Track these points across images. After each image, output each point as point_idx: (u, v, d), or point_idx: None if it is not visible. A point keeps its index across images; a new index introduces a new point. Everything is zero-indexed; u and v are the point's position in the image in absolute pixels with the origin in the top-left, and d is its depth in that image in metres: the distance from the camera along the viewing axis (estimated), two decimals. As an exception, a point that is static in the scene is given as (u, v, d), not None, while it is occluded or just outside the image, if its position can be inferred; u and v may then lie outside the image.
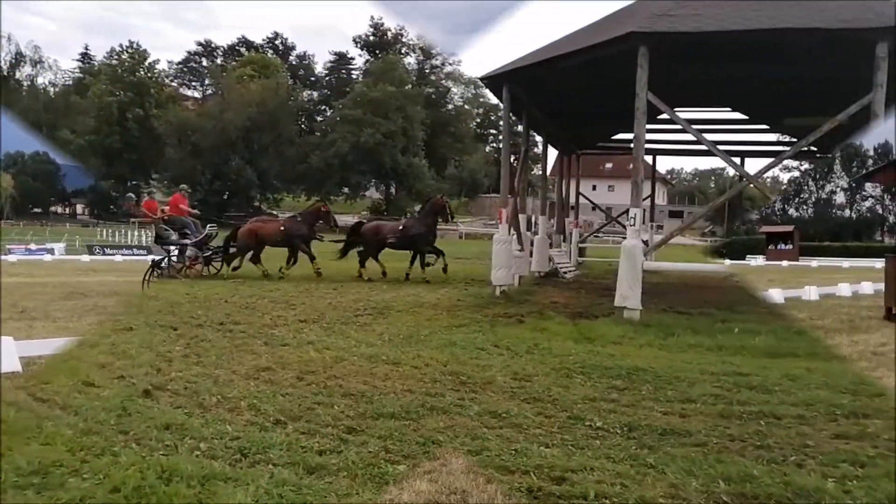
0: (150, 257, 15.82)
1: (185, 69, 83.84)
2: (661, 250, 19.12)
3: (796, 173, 70.72)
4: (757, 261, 26.87)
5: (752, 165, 20.94)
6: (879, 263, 9.48)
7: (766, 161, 19.25)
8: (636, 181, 10.18)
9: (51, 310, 9.76)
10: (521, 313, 10.20)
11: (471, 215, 66.28)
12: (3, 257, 23.43)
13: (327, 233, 16.93)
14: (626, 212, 10.55)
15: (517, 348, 7.62)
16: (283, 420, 4.85)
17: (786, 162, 49.91)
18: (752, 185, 12.11)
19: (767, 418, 5.16)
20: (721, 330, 8.73)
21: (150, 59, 57.60)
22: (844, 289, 13.40)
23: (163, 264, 14.55)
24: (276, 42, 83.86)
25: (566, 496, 3.69)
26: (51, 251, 28.01)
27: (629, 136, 12.81)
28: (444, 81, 76.57)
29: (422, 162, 58.14)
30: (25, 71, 61.10)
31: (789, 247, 30.48)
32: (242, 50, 78.59)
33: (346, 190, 59.52)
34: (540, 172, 21.38)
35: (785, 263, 24.94)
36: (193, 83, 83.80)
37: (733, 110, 18.17)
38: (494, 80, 12.50)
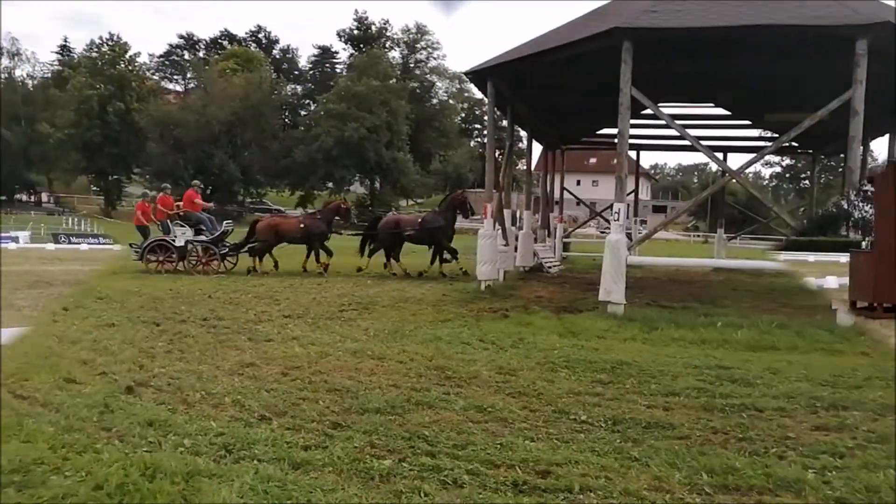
0: (152, 238, 15.64)
1: (166, 62, 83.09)
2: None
3: (778, 168, 71.78)
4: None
5: (735, 160, 21.10)
6: (844, 258, 9.63)
7: (749, 156, 19.52)
8: (620, 176, 10.23)
9: (15, 298, 9.67)
10: (506, 308, 10.23)
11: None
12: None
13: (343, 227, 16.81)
14: (611, 206, 10.60)
15: (502, 343, 7.64)
16: (268, 416, 4.83)
17: (767, 157, 50.48)
18: (734, 180, 12.20)
19: (749, 411, 5.22)
20: (704, 324, 8.80)
21: (130, 52, 56.97)
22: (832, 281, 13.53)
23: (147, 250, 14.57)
24: (260, 35, 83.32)
25: (551, 489, 3.71)
26: (15, 239, 27.57)
27: (613, 131, 12.87)
28: (428, 76, 76.45)
29: (406, 156, 57.97)
30: (3, 63, 60.26)
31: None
32: (225, 43, 77.95)
33: (330, 185, 59.24)
34: (524, 167, 21.45)
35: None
36: (175, 77, 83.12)
37: (716, 106, 18.30)
38: (479, 75, 12.49)
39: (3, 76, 57.06)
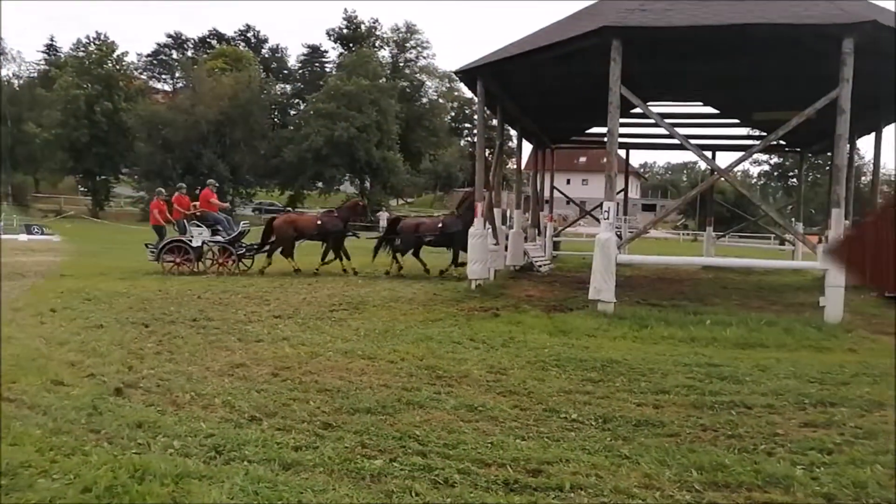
0: (169, 238, 15.47)
1: (154, 62, 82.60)
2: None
3: (766, 167, 72.25)
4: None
5: (723, 159, 21.25)
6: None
7: (737, 155, 19.62)
8: (610, 175, 10.26)
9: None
10: (496, 307, 10.24)
11: (446, 209, 66.24)
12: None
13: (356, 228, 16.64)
14: (600, 205, 10.63)
15: (493, 342, 7.66)
16: (258, 416, 4.82)
17: (756, 156, 50.79)
18: (723, 179, 12.27)
19: (738, 408, 5.26)
20: (693, 322, 8.85)
21: (118, 52, 56.52)
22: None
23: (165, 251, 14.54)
24: (248, 35, 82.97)
25: (542, 488, 3.72)
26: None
27: (603, 130, 12.89)
28: (418, 75, 76.29)
29: (396, 156, 57.81)
30: (2, 65, 59.70)
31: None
32: (214, 42, 77.56)
33: (320, 184, 59.04)
34: (515, 166, 21.46)
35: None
36: (164, 76, 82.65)
37: (705, 105, 18.38)
38: (469, 74, 12.48)
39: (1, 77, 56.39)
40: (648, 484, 3.81)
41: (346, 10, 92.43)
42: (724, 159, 21.11)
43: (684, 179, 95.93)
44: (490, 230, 13.43)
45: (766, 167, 72.87)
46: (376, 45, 71.74)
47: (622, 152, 22.00)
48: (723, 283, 15.09)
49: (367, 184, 59.05)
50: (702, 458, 4.14)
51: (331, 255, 15.35)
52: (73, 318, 8.63)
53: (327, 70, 74.17)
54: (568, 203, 26.77)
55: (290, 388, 5.58)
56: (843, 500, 3.65)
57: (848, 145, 10.89)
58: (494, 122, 16.65)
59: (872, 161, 16.87)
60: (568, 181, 56.19)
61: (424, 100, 76.27)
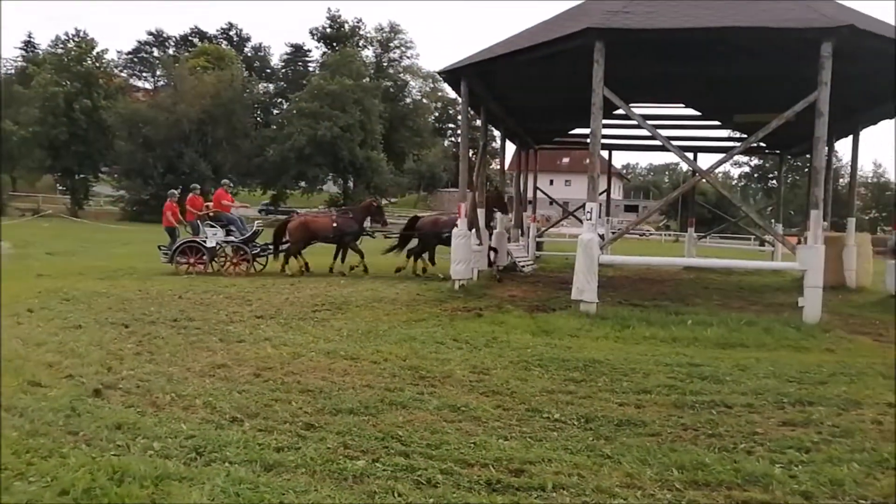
0: (183, 239, 15.33)
1: (135, 60, 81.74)
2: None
3: (746, 168, 73.06)
4: None
5: (705, 160, 21.47)
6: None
7: (718, 156, 19.81)
8: (592, 176, 10.31)
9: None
10: (479, 307, 10.25)
11: (430, 210, 66.23)
12: None
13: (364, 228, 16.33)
14: (583, 206, 10.68)
15: (476, 342, 7.67)
16: (240, 417, 4.78)
17: (736, 157, 51.36)
18: (704, 180, 12.38)
19: (719, 407, 5.32)
20: (675, 322, 8.93)
21: (98, 49, 55.82)
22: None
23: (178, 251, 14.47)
24: (231, 33, 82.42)
25: (524, 488, 3.73)
26: None
27: (586, 131, 12.94)
28: (402, 75, 76.27)
29: (380, 156, 57.71)
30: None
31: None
32: (195, 41, 76.92)
33: (302, 184, 58.76)
34: (498, 167, 21.49)
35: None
36: (144, 74, 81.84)
37: (686, 106, 18.54)
38: (452, 75, 12.48)
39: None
40: (630, 483, 3.84)
41: (329, 9, 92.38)
42: (705, 161, 21.38)
43: (666, 181, 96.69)
44: (474, 231, 13.44)
45: (747, 169, 73.78)
46: (360, 44, 71.64)
47: (605, 153, 22.16)
48: (704, 284, 15.24)
49: (351, 183, 58.89)
50: (683, 457, 4.18)
51: (356, 258, 15.21)
52: (50, 318, 8.50)
53: (310, 69, 73.91)
54: (551, 203, 26.87)
55: (272, 389, 5.55)
56: (820, 497, 3.70)
57: (826, 148, 11.02)
58: (478, 122, 16.67)
59: (850, 163, 17.09)
60: (551, 182, 56.43)
61: (408, 100, 76.30)
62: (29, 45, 72.28)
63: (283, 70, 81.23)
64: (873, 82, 12.27)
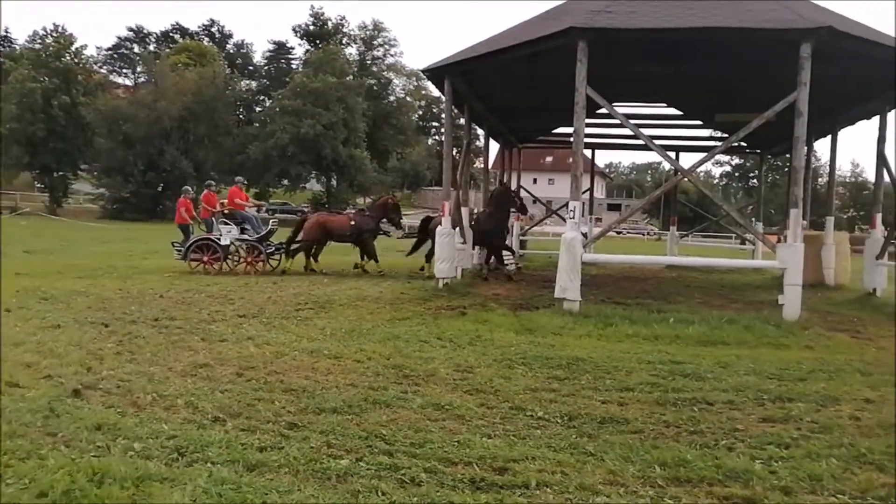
0: (197, 236, 15.17)
1: (115, 56, 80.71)
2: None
3: (728, 168, 73.82)
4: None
5: (687, 160, 21.63)
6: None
7: (700, 156, 19.98)
8: (576, 174, 10.36)
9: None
10: (463, 305, 10.27)
11: (414, 208, 66.19)
12: None
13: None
14: (566, 205, 10.73)
15: (460, 340, 7.67)
16: (222, 417, 4.75)
17: (718, 157, 51.85)
18: (686, 179, 12.49)
19: (700, 404, 5.37)
20: (657, 320, 9.00)
21: (76, 45, 55.04)
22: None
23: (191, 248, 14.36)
24: (213, 30, 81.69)
25: (508, 486, 3.74)
26: None
27: (569, 130, 13.00)
28: (385, 73, 76.07)
29: (363, 154, 57.50)
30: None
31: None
32: (177, 37, 76.16)
33: (285, 182, 58.42)
34: (482, 165, 21.49)
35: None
36: (124, 70, 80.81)
37: (669, 106, 18.68)
38: (436, 73, 12.47)
39: None
40: (613, 480, 3.87)
41: (312, 6, 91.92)
42: (687, 160, 21.52)
43: (649, 179, 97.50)
44: (458, 229, 13.45)
45: (728, 168, 74.58)
46: (343, 42, 71.30)
47: (588, 152, 22.25)
48: (686, 282, 15.38)
49: (334, 181, 58.63)
50: (665, 454, 4.21)
51: (368, 263, 15.14)
52: (28, 318, 8.38)
53: (293, 67, 73.44)
54: (534, 202, 26.97)
55: (255, 389, 5.52)
56: (799, 492, 3.75)
57: (805, 147, 11.17)
58: (462, 120, 16.66)
59: (829, 163, 17.31)
60: (535, 180, 56.59)
61: (392, 98, 76.09)
62: (5, 39, 71.17)
63: (266, 67, 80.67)
64: (851, 83, 12.46)
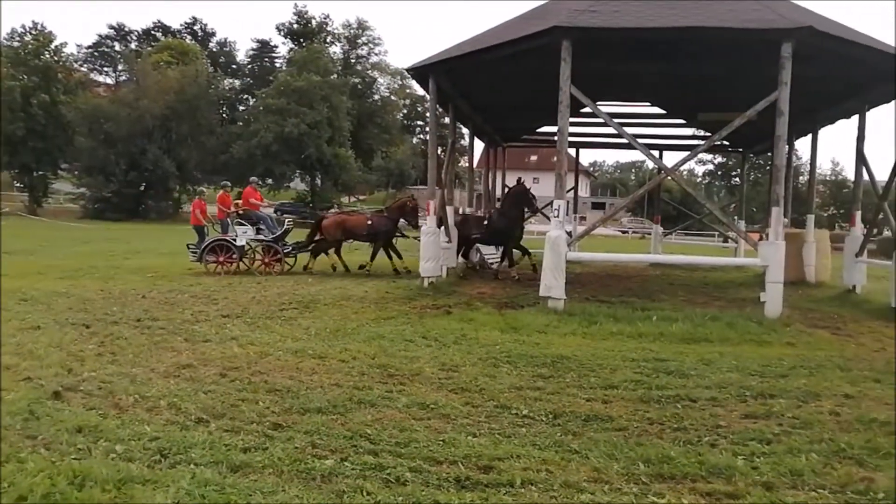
0: (212, 237, 15.02)
1: (95, 54, 79.79)
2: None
3: (710, 166, 74.39)
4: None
5: (670, 158, 21.83)
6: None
7: (683, 154, 20.14)
8: (560, 173, 10.38)
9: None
10: (448, 304, 10.26)
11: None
12: None
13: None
14: (551, 203, 10.75)
15: (445, 339, 7.68)
16: (206, 418, 4.72)
17: (700, 155, 52.28)
18: (669, 178, 12.57)
19: (684, 401, 5.41)
20: (641, 318, 9.04)
21: (56, 42, 54.33)
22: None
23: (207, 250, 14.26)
24: (195, 28, 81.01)
25: (493, 484, 3.75)
26: None
27: (553, 128, 13.02)
28: (370, 71, 75.83)
29: (348, 153, 57.24)
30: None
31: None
32: (159, 35, 75.42)
33: (269, 181, 58.06)
34: (467, 164, 21.51)
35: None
36: (106, 69, 79.90)
37: (652, 105, 18.78)
38: (421, 72, 12.45)
39: None
40: (597, 478, 3.89)
41: (296, 5, 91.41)
42: (670, 158, 21.75)
43: (633, 178, 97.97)
44: (443, 228, 13.45)
45: (711, 166, 75.13)
46: (327, 40, 70.98)
47: (572, 151, 22.32)
48: (669, 280, 15.48)
49: (318, 181, 58.34)
50: (648, 451, 4.24)
51: (396, 260, 15.03)
52: (7, 319, 8.26)
53: (277, 65, 73.03)
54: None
55: (239, 389, 5.48)
56: (781, 487, 3.79)
57: (786, 146, 11.28)
58: (447, 119, 16.64)
59: (809, 162, 17.48)
60: (519, 179, 56.72)
61: (376, 97, 75.90)
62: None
63: (249, 66, 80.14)
64: (831, 83, 12.60)
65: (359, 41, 74.83)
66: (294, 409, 4.97)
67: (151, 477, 3.67)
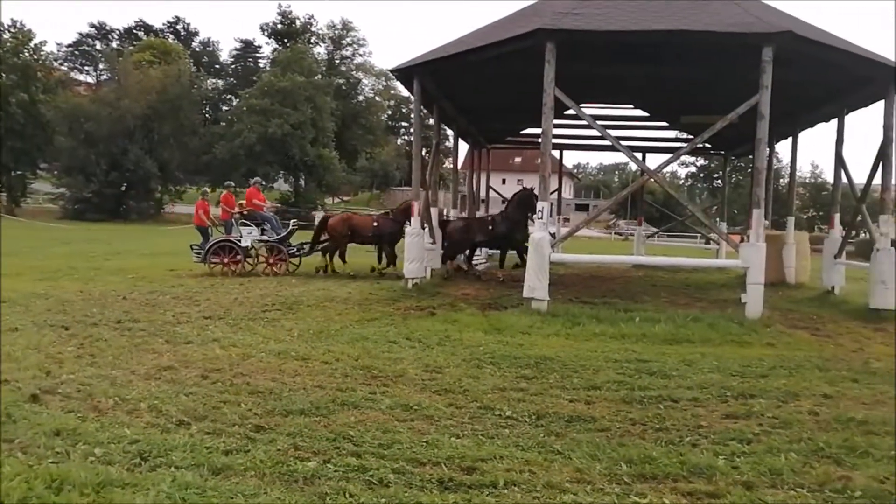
0: (216, 238, 14.88)
1: (76, 52, 78.85)
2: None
3: (693, 168, 74.98)
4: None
5: (653, 160, 21.91)
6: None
7: (666, 156, 20.27)
8: (544, 175, 10.42)
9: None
10: (432, 306, 10.26)
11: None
12: None
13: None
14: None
15: (428, 340, 7.67)
16: (187, 420, 4.67)
17: (683, 157, 52.72)
18: (652, 180, 12.67)
19: (666, 402, 5.45)
20: (624, 319, 9.10)
21: (35, 41, 53.64)
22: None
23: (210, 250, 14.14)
24: (178, 27, 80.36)
25: (476, 485, 3.75)
26: None
27: (537, 130, 13.09)
28: (354, 72, 75.64)
29: (332, 153, 57.06)
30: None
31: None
32: (140, 34, 74.71)
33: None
34: (451, 166, 21.49)
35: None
36: (86, 68, 78.98)
37: (635, 107, 18.91)
38: (405, 73, 12.45)
39: None
40: (580, 478, 3.90)
41: (280, 5, 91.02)
42: (653, 161, 21.78)
43: (616, 180, 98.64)
44: (427, 229, 13.45)
45: (693, 169, 75.64)
46: (311, 41, 70.68)
47: (556, 153, 22.44)
48: (652, 281, 15.59)
49: (302, 181, 58.09)
50: (631, 452, 4.27)
51: (386, 266, 15.02)
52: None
53: (261, 66, 72.64)
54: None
55: (221, 391, 5.44)
56: (761, 486, 3.83)
57: (767, 149, 11.42)
58: (431, 121, 16.64)
59: (790, 164, 17.74)
60: (503, 181, 56.78)
61: (361, 97, 75.71)
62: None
63: (233, 66, 79.63)
64: (810, 87, 12.77)
65: (343, 42, 74.62)
66: (276, 411, 4.94)
67: (131, 480, 3.62)
